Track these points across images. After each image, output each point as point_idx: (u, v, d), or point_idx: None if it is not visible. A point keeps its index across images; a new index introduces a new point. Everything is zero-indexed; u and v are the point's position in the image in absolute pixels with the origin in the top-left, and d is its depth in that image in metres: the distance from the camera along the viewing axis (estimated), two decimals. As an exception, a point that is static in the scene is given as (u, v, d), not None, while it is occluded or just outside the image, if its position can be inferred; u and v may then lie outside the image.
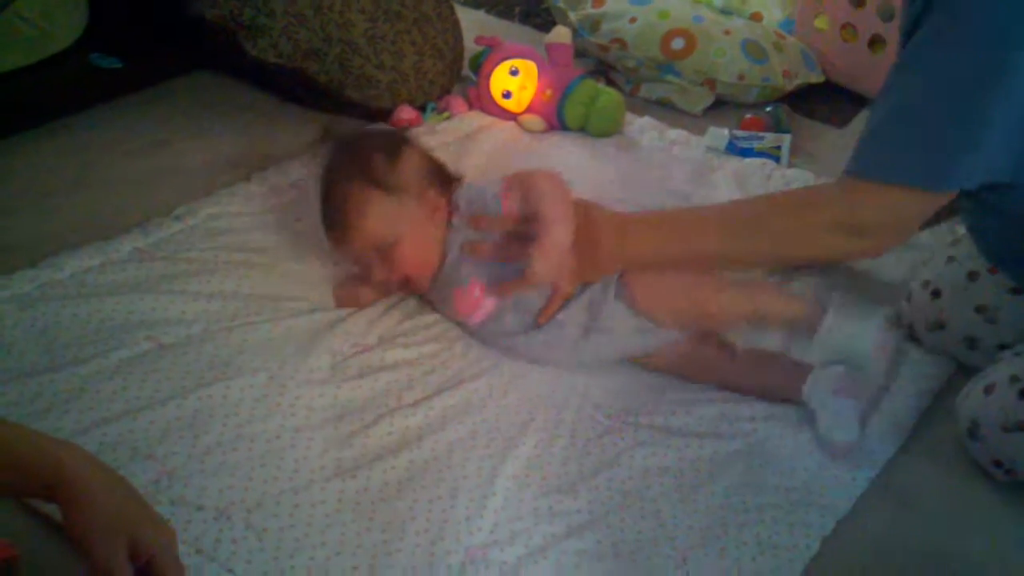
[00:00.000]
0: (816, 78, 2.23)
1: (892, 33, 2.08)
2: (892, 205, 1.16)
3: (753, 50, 2.14)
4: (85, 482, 0.87)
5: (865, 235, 1.19)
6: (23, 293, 1.40)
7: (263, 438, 1.23)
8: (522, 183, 1.31)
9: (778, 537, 1.17)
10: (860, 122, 2.15)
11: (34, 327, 1.34)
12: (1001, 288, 1.38)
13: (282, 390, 1.29)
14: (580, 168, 1.81)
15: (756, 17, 2.36)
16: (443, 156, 1.55)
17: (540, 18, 2.56)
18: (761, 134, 1.99)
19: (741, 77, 2.12)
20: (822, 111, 2.20)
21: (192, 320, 1.39)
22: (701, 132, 2.01)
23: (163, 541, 0.89)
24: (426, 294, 1.46)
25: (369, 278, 1.42)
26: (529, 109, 1.97)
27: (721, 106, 2.16)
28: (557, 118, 1.96)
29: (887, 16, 2.10)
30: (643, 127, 2.02)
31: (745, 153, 1.94)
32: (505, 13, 2.63)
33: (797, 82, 2.19)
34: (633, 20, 2.19)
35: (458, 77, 2.08)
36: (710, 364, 1.38)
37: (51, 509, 0.98)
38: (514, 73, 1.96)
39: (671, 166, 1.88)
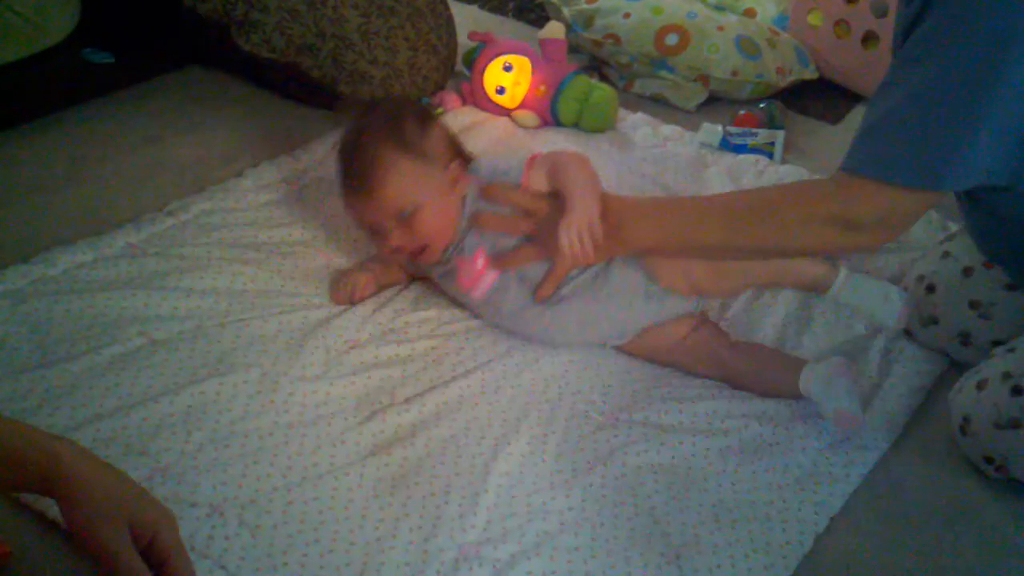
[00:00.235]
0: (810, 74, 2.23)
1: (885, 30, 2.08)
2: (886, 202, 1.16)
3: (747, 46, 2.14)
4: (81, 474, 0.87)
5: (860, 230, 1.19)
6: (15, 289, 1.40)
7: (256, 435, 1.23)
8: (550, 159, 1.37)
9: (771, 534, 1.18)
10: (853, 118, 2.16)
11: (26, 323, 1.34)
12: (996, 284, 1.38)
13: (275, 387, 1.29)
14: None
15: (750, 13, 2.37)
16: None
17: (534, 14, 2.56)
18: (755, 130, 1.99)
19: (735, 73, 2.12)
20: (816, 107, 2.20)
21: (185, 316, 1.38)
22: (695, 128, 2.01)
23: (163, 522, 0.89)
24: (432, 270, 1.47)
25: (383, 246, 1.42)
26: (523, 105, 1.97)
27: (715, 102, 2.16)
28: (551, 114, 1.96)
29: (880, 12, 2.10)
30: (637, 123, 2.02)
31: (739, 149, 1.94)
32: (499, 8, 2.63)
33: (791, 78, 2.19)
34: (627, 16, 2.19)
35: (452, 73, 2.08)
36: (706, 351, 1.39)
37: (43, 506, 0.99)
38: (508, 69, 1.96)
39: (665, 162, 1.89)
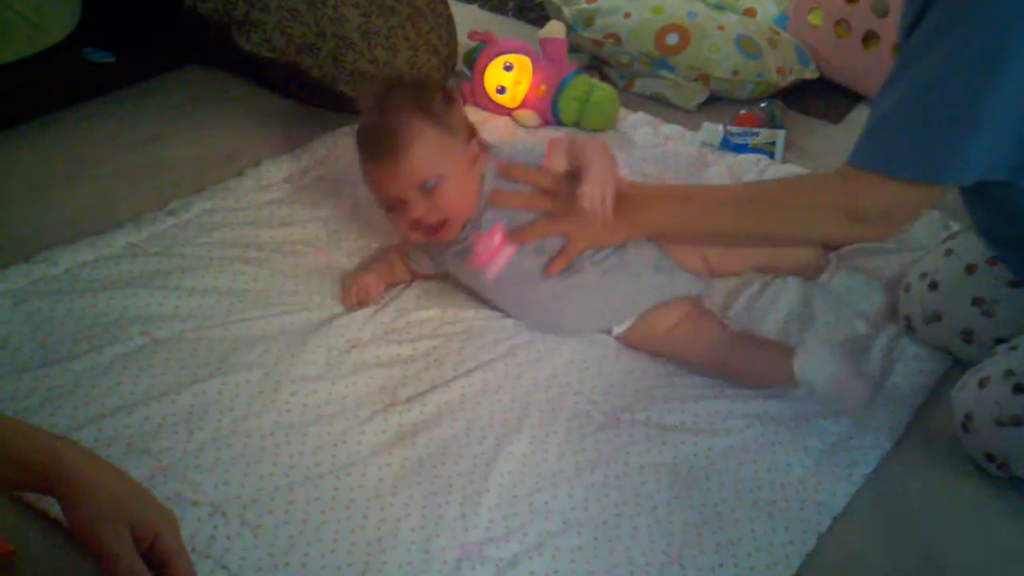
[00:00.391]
0: (810, 74, 2.23)
1: (886, 29, 2.08)
2: (889, 196, 1.18)
3: (747, 46, 2.14)
4: (83, 474, 0.87)
5: (864, 222, 1.22)
6: (17, 288, 1.40)
7: (258, 434, 1.22)
8: (570, 142, 1.41)
9: (774, 533, 1.18)
10: (854, 118, 2.16)
11: (28, 322, 1.34)
12: (999, 281, 1.39)
13: (277, 386, 1.29)
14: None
15: (750, 13, 2.36)
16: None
17: (534, 13, 2.56)
18: (755, 130, 1.99)
19: (735, 73, 2.12)
20: (816, 107, 2.20)
21: (186, 316, 1.38)
22: (695, 128, 2.01)
23: (165, 524, 0.89)
24: (444, 252, 1.47)
25: (402, 220, 1.42)
26: (523, 104, 1.97)
27: (715, 102, 2.16)
28: (551, 113, 1.96)
29: (881, 12, 2.10)
30: (637, 123, 2.02)
31: (739, 149, 1.94)
32: (499, 8, 2.62)
33: (791, 78, 2.19)
34: (627, 15, 2.18)
35: (452, 72, 2.08)
36: (703, 338, 1.40)
37: (46, 504, 0.98)
38: (508, 68, 1.96)
39: (665, 162, 1.88)
